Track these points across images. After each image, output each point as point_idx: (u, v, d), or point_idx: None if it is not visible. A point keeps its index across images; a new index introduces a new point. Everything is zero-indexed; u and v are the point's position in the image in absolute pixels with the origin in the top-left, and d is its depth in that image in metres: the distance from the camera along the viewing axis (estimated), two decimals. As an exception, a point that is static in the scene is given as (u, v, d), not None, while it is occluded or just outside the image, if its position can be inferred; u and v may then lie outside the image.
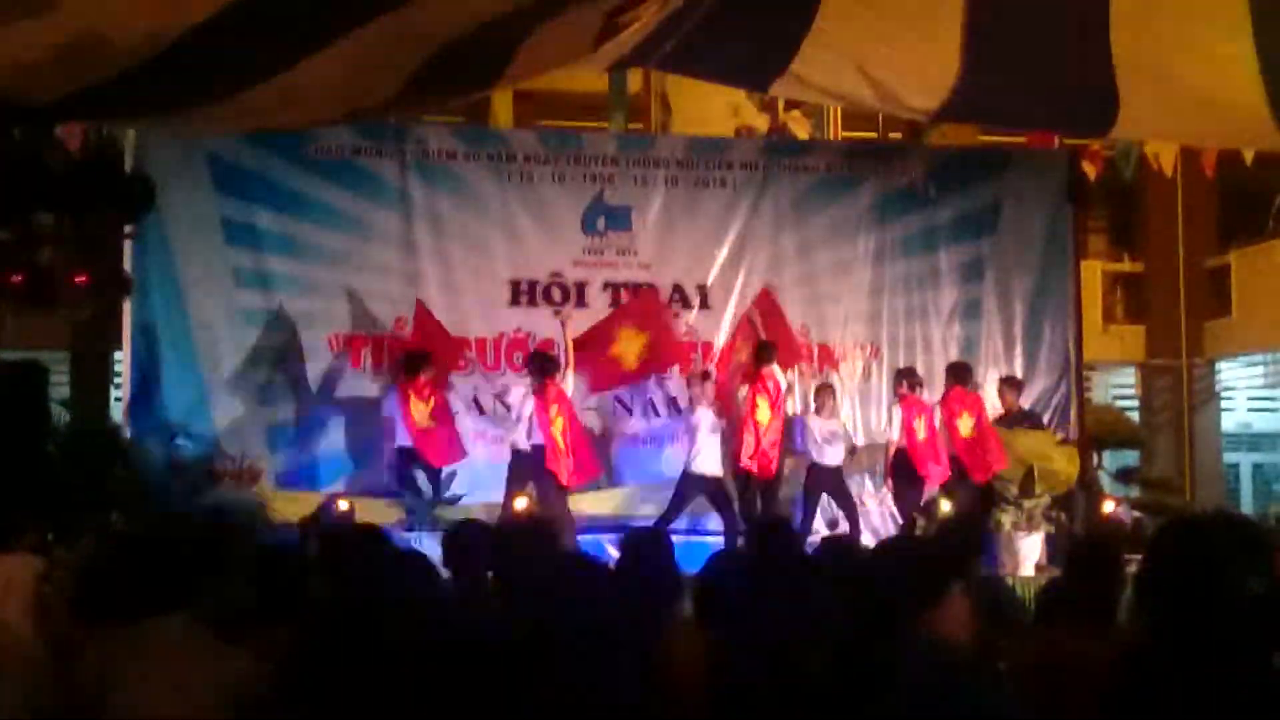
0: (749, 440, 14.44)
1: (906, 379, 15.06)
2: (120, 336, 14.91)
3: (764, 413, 14.48)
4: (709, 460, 14.45)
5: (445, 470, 14.38)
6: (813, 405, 15.25)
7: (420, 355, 14.57)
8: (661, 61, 11.20)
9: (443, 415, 14.47)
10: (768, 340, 15.25)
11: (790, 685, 3.46)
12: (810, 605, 4.17)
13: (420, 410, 14.21)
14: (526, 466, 14.09)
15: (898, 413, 14.88)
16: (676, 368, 15.90)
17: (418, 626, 3.55)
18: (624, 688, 3.35)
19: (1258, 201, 19.10)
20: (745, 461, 14.44)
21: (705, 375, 15.16)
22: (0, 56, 7.02)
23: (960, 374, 15.34)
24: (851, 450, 15.29)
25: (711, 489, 14.47)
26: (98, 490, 11.82)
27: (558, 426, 13.90)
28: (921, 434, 14.63)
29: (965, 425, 14.81)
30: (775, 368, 14.70)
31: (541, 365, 14.23)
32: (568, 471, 14.03)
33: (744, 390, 14.86)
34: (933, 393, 15.66)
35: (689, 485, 14.42)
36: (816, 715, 3.39)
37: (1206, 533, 3.67)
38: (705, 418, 14.54)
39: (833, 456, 14.86)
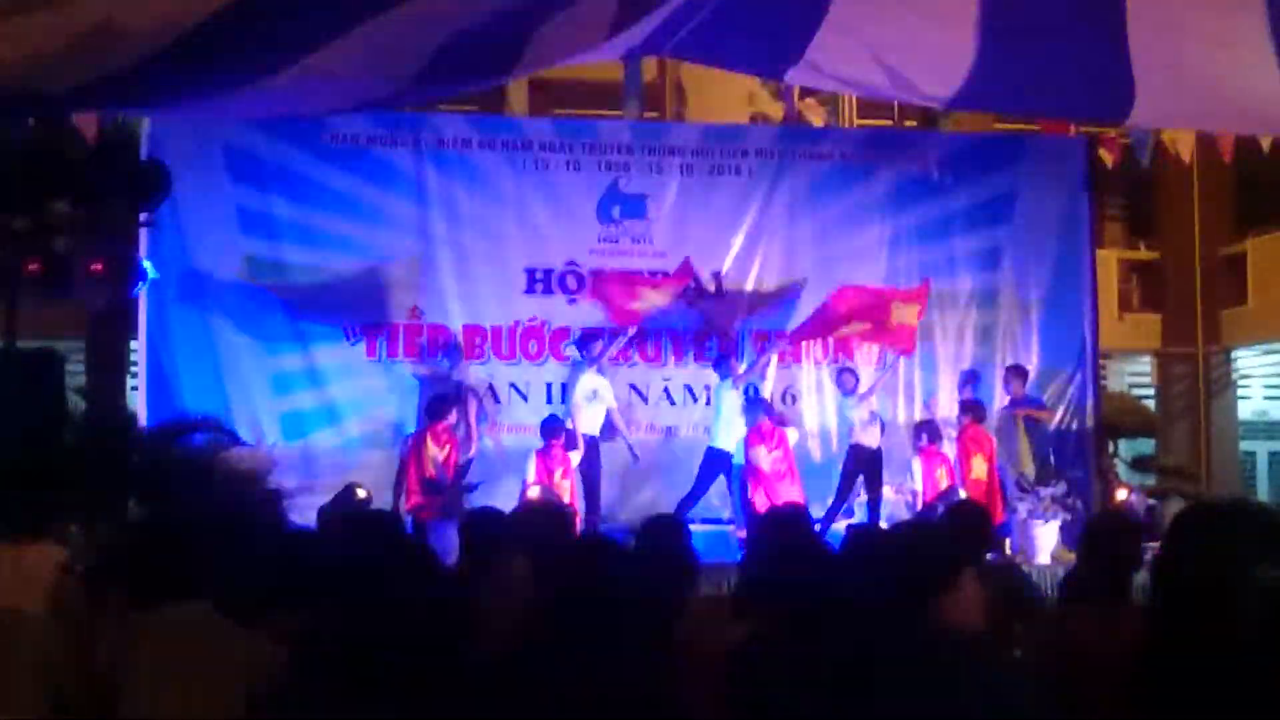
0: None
1: (926, 432, 15.04)
2: (136, 324, 14.96)
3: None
4: (732, 438, 14.60)
5: (462, 458, 14.38)
6: (841, 388, 15.56)
7: (447, 399, 14.56)
8: (676, 49, 11.18)
9: (450, 463, 14.31)
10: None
11: (808, 669, 3.47)
12: (823, 589, 4.17)
13: (434, 456, 14.11)
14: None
15: (919, 464, 14.86)
16: (692, 355, 15.98)
17: (427, 612, 3.56)
18: (640, 670, 3.35)
19: (1275, 189, 19.02)
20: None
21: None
22: (16, 46, 7.04)
23: (977, 412, 15.30)
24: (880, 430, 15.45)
25: (729, 467, 14.66)
26: (114, 478, 11.83)
27: (563, 490, 13.89)
28: (944, 483, 14.62)
29: (979, 467, 14.78)
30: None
31: (549, 428, 14.20)
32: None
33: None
34: (941, 373, 16.08)
35: (713, 461, 14.57)
36: (834, 699, 3.39)
37: (1225, 520, 3.67)
38: (732, 398, 14.67)
39: (872, 438, 15.05)
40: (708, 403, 15.53)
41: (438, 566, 3.92)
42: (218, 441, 13.72)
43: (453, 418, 14.26)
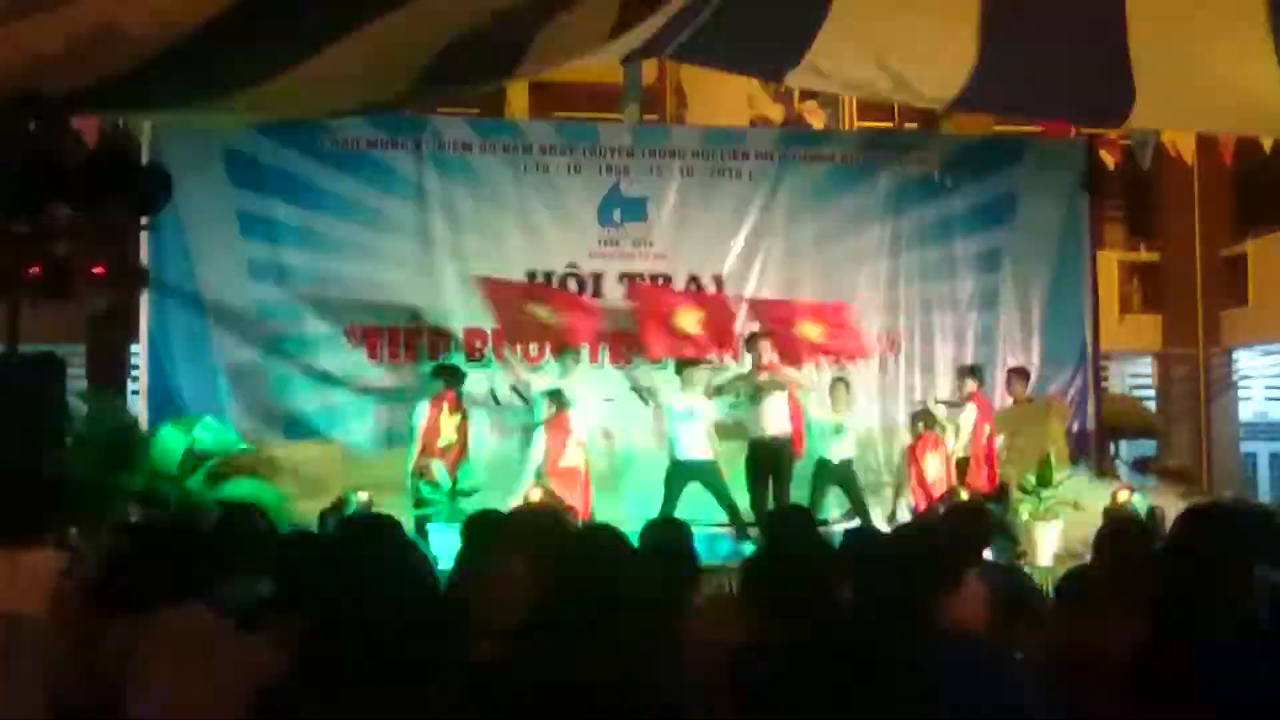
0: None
1: (921, 420, 14.91)
2: (136, 329, 14.97)
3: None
4: (690, 446, 14.23)
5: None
6: (826, 400, 15.08)
7: (457, 368, 14.50)
8: (677, 52, 11.21)
9: (462, 431, 14.31)
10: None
11: (812, 669, 3.47)
12: (824, 592, 4.17)
13: (448, 425, 14.10)
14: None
15: (907, 455, 14.70)
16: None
17: (426, 615, 3.56)
18: (642, 670, 3.35)
19: (1275, 190, 18.96)
20: None
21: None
22: (17, 49, 7.05)
23: (980, 375, 15.30)
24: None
25: (699, 474, 14.11)
26: (115, 482, 11.83)
27: (577, 462, 13.79)
28: (938, 469, 14.56)
29: (984, 432, 14.77)
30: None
31: (556, 400, 14.10)
32: (584, 502, 13.90)
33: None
34: (941, 375, 16.01)
35: (675, 474, 14.17)
36: (838, 699, 3.39)
37: (1226, 521, 3.67)
38: (676, 403, 14.22)
39: (838, 451, 14.78)
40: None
41: (436, 570, 3.92)
42: (218, 445, 13.75)
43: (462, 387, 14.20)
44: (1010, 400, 15.75)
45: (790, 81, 13.94)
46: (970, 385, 15.00)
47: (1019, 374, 15.87)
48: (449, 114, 16.33)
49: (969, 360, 16.32)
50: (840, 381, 15.07)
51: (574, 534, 5.85)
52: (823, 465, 14.51)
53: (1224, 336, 21.37)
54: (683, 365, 14.63)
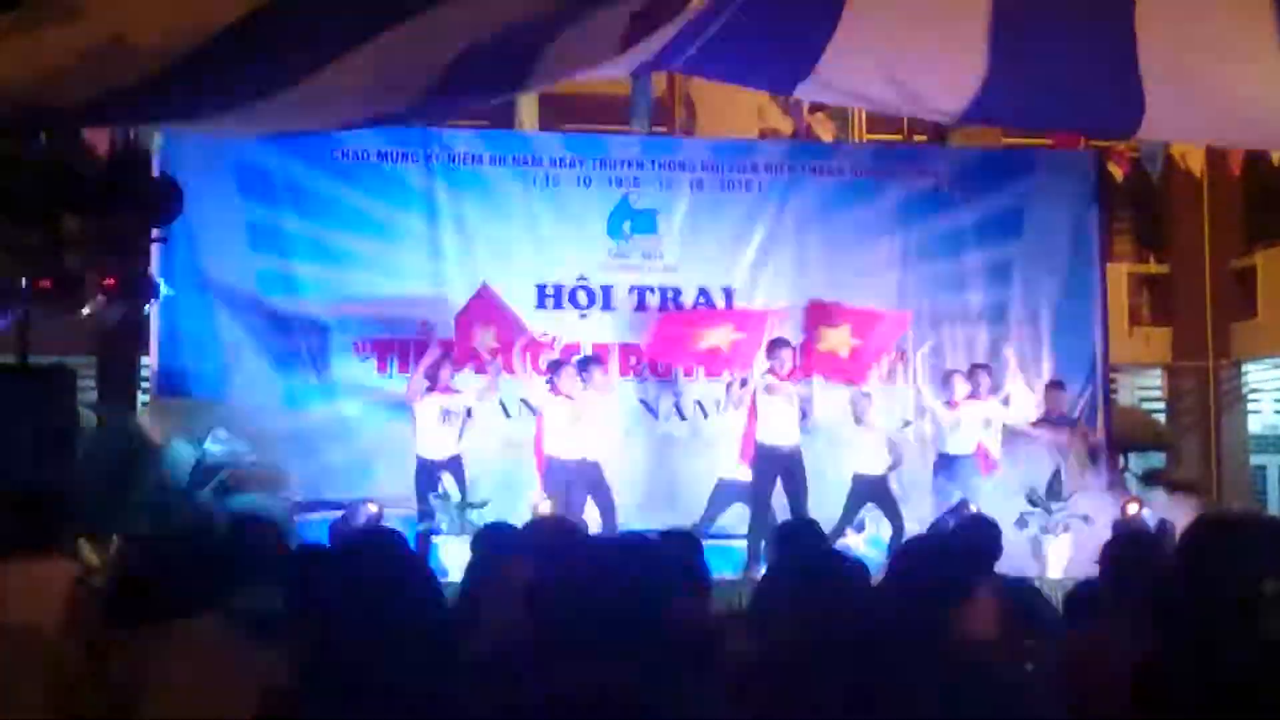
0: None
1: (988, 373, 15.18)
2: (147, 341, 14.97)
3: None
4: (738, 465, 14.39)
5: (471, 475, 14.34)
6: (856, 416, 14.98)
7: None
8: (687, 65, 11.20)
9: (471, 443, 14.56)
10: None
11: (824, 683, 3.47)
12: (831, 604, 4.17)
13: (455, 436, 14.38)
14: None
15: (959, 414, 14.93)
16: (702, 370, 15.86)
17: (432, 629, 3.57)
18: (649, 684, 3.35)
19: (1285, 202, 19.03)
20: None
21: (743, 382, 14.95)
22: (27, 61, 7.06)
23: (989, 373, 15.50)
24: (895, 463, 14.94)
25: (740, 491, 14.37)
26: (125, 494, 11.86)
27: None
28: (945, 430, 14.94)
29: None
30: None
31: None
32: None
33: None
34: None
35: (720, 492, 14.33)
36: (847, 713, 3.40)
37: (1236, 534, 3.67)
38: (735, 422, 14.43)
39: (875, 465, 14.74)
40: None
41: (440, 583, 3.93)
42: (228, 457, 13.77)
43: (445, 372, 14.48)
44: (1045, 411, 15.73)
45: (799, 95, 13.96)
46: (985, 383, 15.07)
47: (1060, 388, 15.90)
48: (459, 126, 16.35)
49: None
50: (864, 396, 15.06)
51: (584, 547, 5.86)
52: (858, 481, 14.53)
53: (1233, 349, 21.35)
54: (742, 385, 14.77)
